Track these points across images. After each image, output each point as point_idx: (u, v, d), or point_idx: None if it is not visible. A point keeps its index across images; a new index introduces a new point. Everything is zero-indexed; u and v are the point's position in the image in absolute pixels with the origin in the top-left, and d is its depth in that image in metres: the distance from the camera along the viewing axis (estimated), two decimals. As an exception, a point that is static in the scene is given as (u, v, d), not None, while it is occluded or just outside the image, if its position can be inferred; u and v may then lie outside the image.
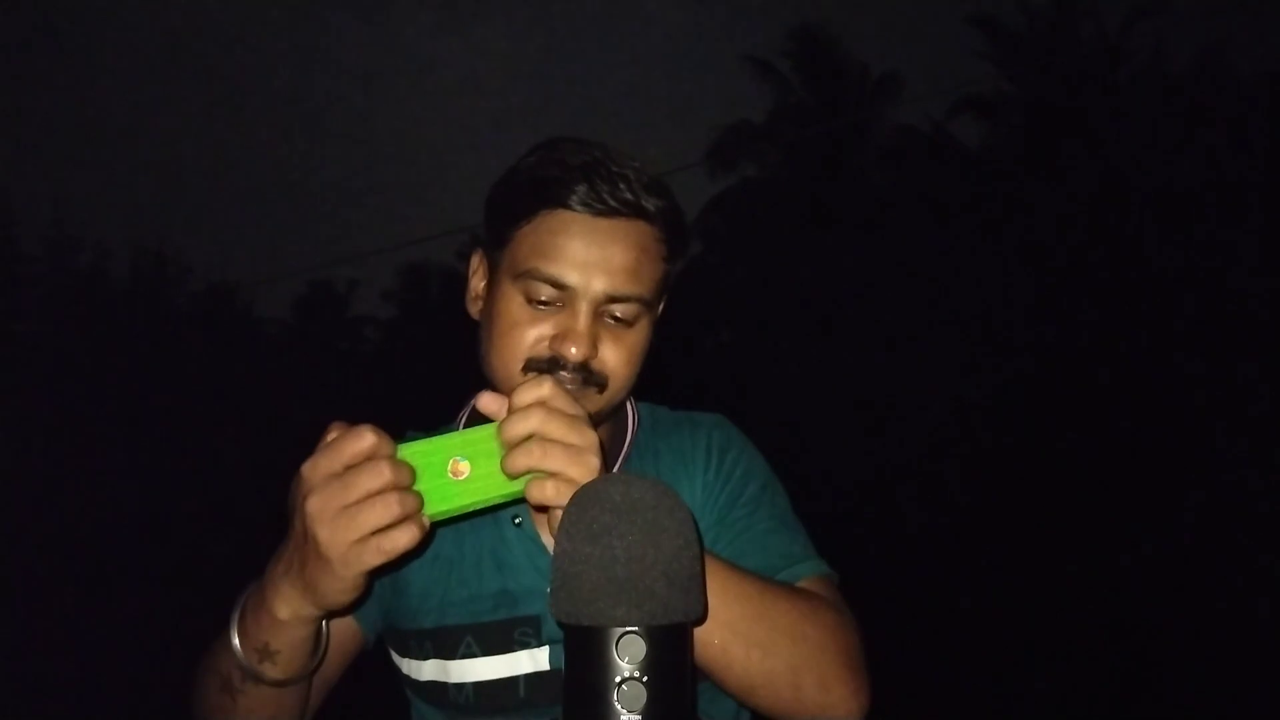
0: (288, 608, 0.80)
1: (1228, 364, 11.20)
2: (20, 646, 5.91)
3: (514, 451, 0.77)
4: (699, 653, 0.87)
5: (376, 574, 0.77)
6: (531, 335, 0.92)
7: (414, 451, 0.78)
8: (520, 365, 0.92)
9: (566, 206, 0.90)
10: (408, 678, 1.05)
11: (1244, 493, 9.68)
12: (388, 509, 0.72)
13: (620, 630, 0.62)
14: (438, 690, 1.01)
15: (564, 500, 0.72)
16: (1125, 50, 14.08)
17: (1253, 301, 11.32)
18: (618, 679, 0.61)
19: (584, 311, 0.90)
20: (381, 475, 0.72)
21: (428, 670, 1.01)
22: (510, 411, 0.79)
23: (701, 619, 0.70)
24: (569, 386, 0.90)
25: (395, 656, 1.06)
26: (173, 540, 11.12)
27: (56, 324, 16.54)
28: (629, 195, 0.90)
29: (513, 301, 0.92)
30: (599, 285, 0.90)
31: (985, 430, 12.65)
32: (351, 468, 0.73)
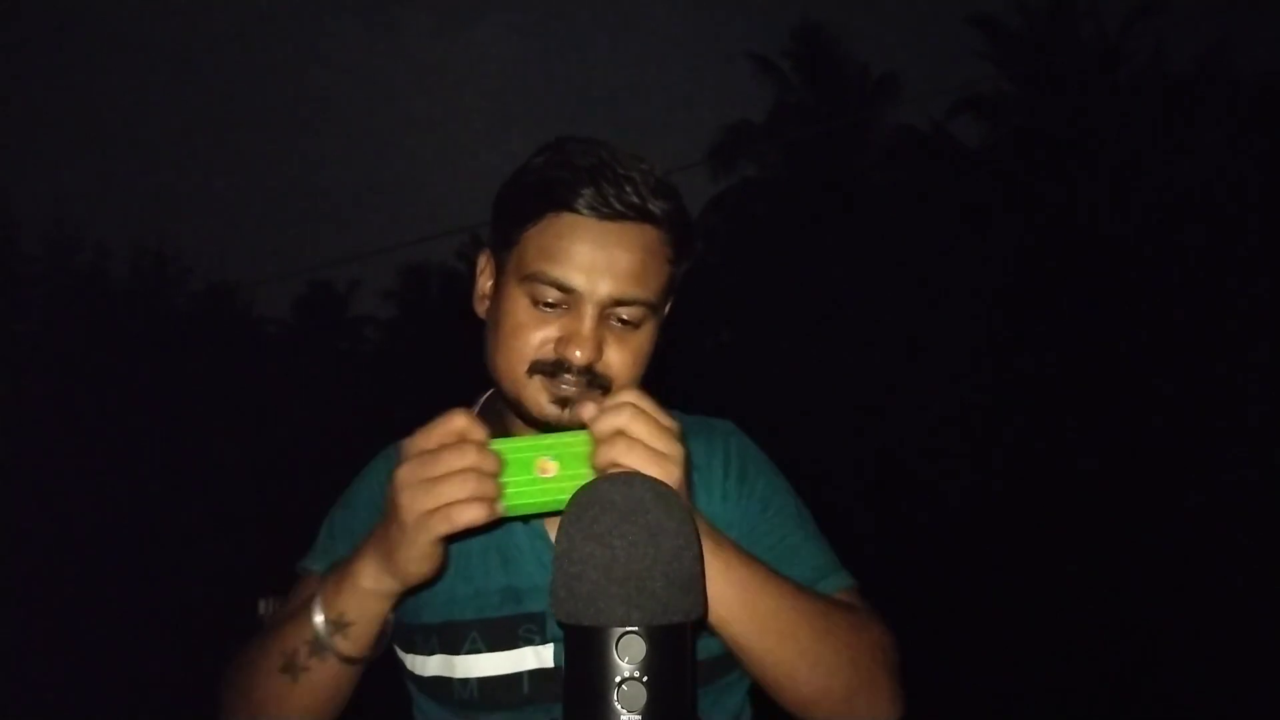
0: (370, 577, 0.86)
1: (1228, 364, 11.20)
2: (19, 646, 5.91)
3: (601, 445, 0.81)
4: (759, 667, 0.90)
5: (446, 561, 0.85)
6: (537, 338, 0.92)
7: (506, 446, 0.84)
8: (525, 367, 0.93)
9: (573, 210, 0.90)
10: (411, 673, 1.05)
11: (1244, 492, 9.68)
12: (463, 486, 0.78)
13: (620, 630, 0.62)
14: (442, 685, 1.01)
15: (680, 484, 0.80)
16: (1125, 50, 14.08)
17: (1252, 301, 11.32)
18: (618, 679, 0.61)
19: (589, 315, 0.91)
20: (465, 457, 0.79)
21: (432, 665, 1.02)
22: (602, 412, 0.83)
23: (702, 619, 0.70)
24: (573, 390, 0.92)
25: (400, 652, 1.07)
26: (172, 539, 11.12)
27: (56, 324, 16.54)
28: (635, 199, 0.90)
29: (518, 303, 0.93)
30: (604, 289, 0.90)
31: (985, 430, 12.65)
32: (444, 446, 0.80)
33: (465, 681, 0.99)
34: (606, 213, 0.90)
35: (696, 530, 0.70)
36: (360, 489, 1.11)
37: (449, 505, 0.78)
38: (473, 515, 0.79)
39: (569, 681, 0.65)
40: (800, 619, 0.90)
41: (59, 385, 14.93)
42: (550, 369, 0.91)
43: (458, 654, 1.00)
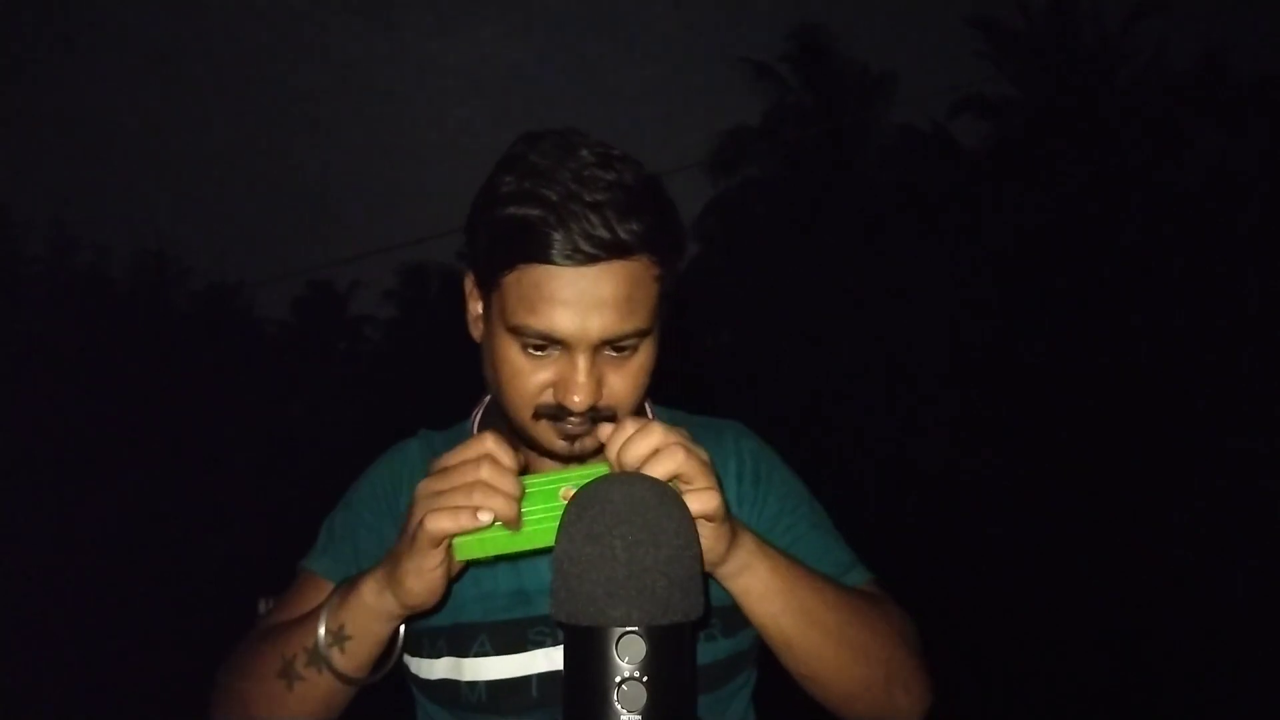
0: (373, 592, 0.86)
1: (1228, 363, 11.20)
2: (19, 645, 5.91)
3: (653, 457, 0.80)
4: (804, 662, 0.91)
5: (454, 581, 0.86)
6: (534, 384, 0.91)
7: (530, 480, 0.85)
8: (530, 413, 0.92)
9: (546, 260, 0.86)
10: (417, 677, 1.04)
11: (1245, 491, 9.68)
12: (468, 496, 0.79)
13: (620, 630, 0.62)
14: (450, 689, 1.00)
15: (719, 512, 0.80)
16: (1126, 50, 14.09)
17: (1253, 301, 11.32)
18: (618, 679, 0.61)
19: (582, 361, 0.89)
20: (480, 470, 0.80)
21: (440, 669, 1.01)
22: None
23: (703, 619, 0.70)
24: (579, 429, 0.92)
25: (406, 656, 1.05)
26: (173, 538, 11.13)
27: (56, 324, 16.55)
28: (606, 235, 0.86)
29: (510, 349, 0.91)
30: (593, 333, 0.88)
31: (986, 429, 12.65)
32: (465, 462, 0.81)
33: (473, 685, 0.99)
34: (580, 258, 0.86)
35: (696, 530, 0.69)
36: (362, 489, 1.10)
37: (449, 510, 0.79)
38: (466, 520, 0.79)
39: (569, 681, 0.65)
40: (843, 613, 0.91)
41: (59, 385, 14.94)
42: (553, 413, 0.91)
43: (466, 657, 0.99)
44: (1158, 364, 11.69)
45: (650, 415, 1.10)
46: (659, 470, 0.79)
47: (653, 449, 0.80)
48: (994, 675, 5.45)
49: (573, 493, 0.80)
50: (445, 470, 0.81)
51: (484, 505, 0.79)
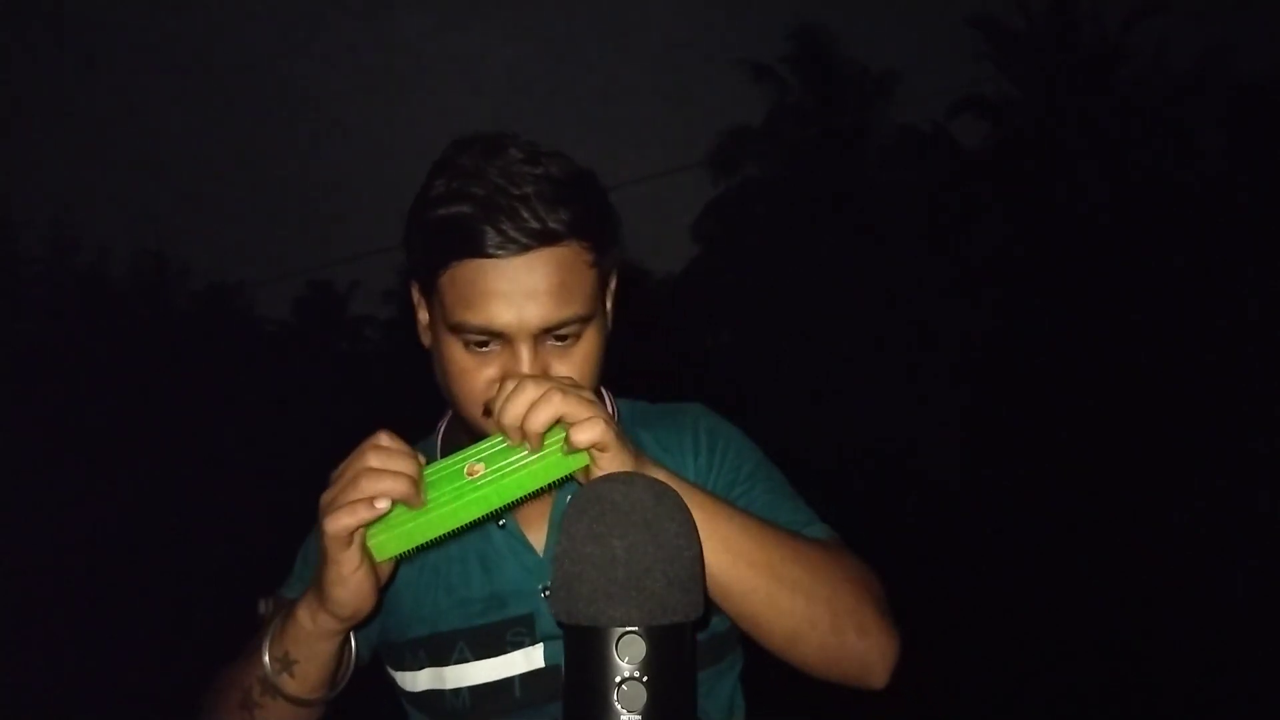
0: (308, 614, 0.85)
1: (1228, 363, 11.20)
2: (19, 645, 5.91)
3: (531, 409, 0.81)
4: (740, 603, 0.89)
5: (382, 590, 0.85)
6: (480, 381, 0.92)
7: (432, 468, 0.85)
8: (480, 410, 0.92)
9: (478, 254, 0.88)
10: (404, 691, 1.05)
11: (1245, 491, 9.68)
12: (356, 485, 0.79)
13: (620, 630, 0.62)
14: (434, 699, 1.01)
15: (608, 437, 0.80)
16: (1126, 50, 14.09)
17: (1254, 301, 11.32)
18: (618, 679, 0.61)
19: (523, 352, 0.90)
20: (364, 460, 0.81)
21: (423, 680, 1.02)
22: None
23: (703, 619, 0.70)
24: None
25: (391, 671, 1.07)
26: (172, 538, 11.12)
27: (56, 324, 16.56)
28: (535, 224, 0.87)
29: (454, 348, 0.92)
30: (531, 322, 0.89)
31: (987, 430, 12.65)
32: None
33: (457, 692, 0.99)
34: (512, 249, 0.87)
35: (697, 529, 0.70)
36: None
37: (344, 507, 0.78)
38: (363, 513, 0.78)
39: (569, 682, 0.65)
40: (776, 549, 0.90)
41: (59, 385, 14.94)
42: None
43: (447, 665, 1.00)
44: (1157, 364, 11.69)
45: (610, 406, 1.11)
46: (542, 417, 0.80)
47: (529, 402, 0.81)
48: (994, 675, 5.45)
49: (480, 469, 0.82)
50: (339, 475, 0.82)
51: (376, 491, 0.79)
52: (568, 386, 0.82)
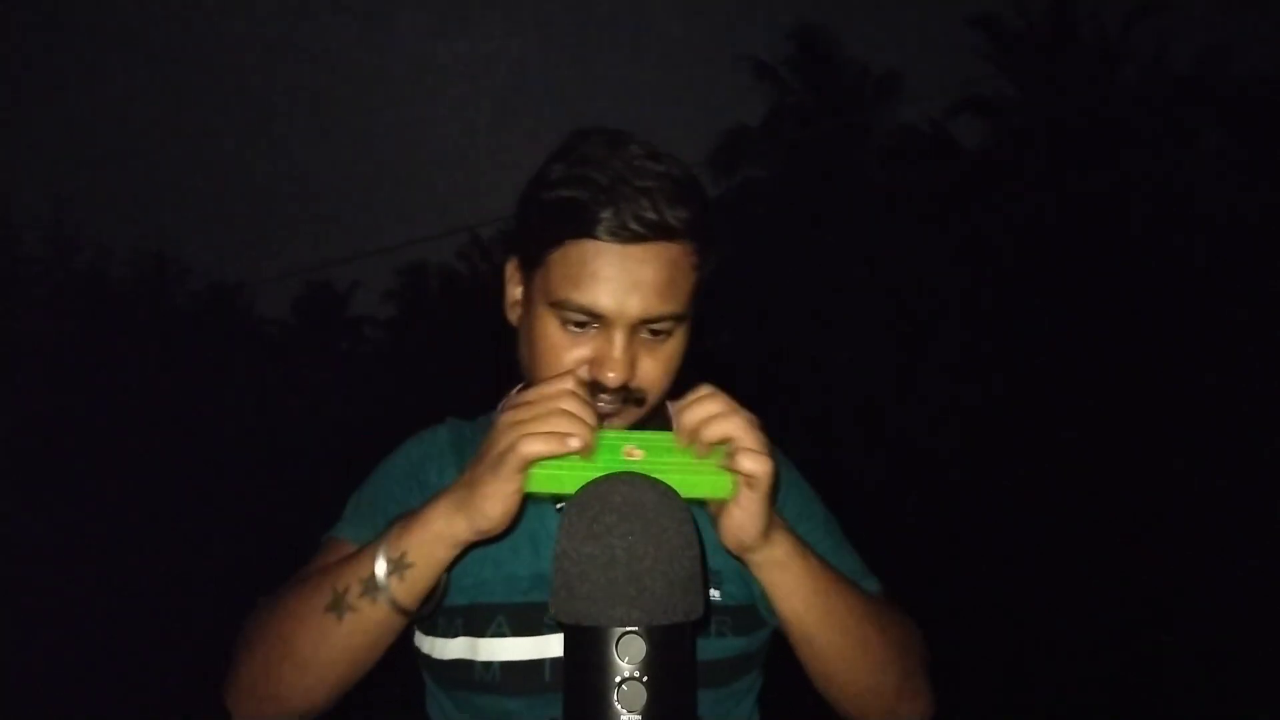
0: (443, 518, 0.86)
1: (1228, 363, 11.21)
2: (19, 644, 5.91)
3: (714, 418, 0.84)
4: (827, 665, 0.93)
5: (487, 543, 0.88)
6: (569, 359, 0.94)
7: (601, 433, 0.86)
8: None
9: (594, 236, 0.91)
10: (430, 658, 1.04)
11: (1245, 491, 9.68)
12: (556, 422, 0.81)
13: (620, 630, 0.62)
14: (463, 669, 1.01)
15: (767, 478, 0.81)
16: (1126, 50, 14.08)
17: (1254, 301, 11.32)
18: (618, 679, 0.61)
19: (619, 337, 0.92)
20: (561, 401, 0.83)
21: (454, 648, 1.01)
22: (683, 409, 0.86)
23: (703, 619, 0.70)
24: (610, 407, 0.94)
25: (420, 635, 1.06)
26: (172, 537, 11.12)
27: (56, 324, 16.55)
28: (654, 216, 0.91)
29: (549, 324, 0.95)
30: (632, 311, 0.91)
31: (988, 430, 12.65)
32: (545, 395, 0.84)
33: (488, 665, 0.99)
34: (627, 236, 0.90)
35: (697, 530, 0.70)
36: (390, 466, 1.11)
37: (541, 434, 0.81)
38: (554, 445, 0.80)
39: (569, 681, 0.65)
40: (863, 617, 0.93)
41: (59, 384, 14.94)
42: (587, 389, 0.93)
43: (482, 637, 1.00)
44: (1158, 364, 11.69)
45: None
46: (718, 430, 0.83)
47: (713, 413, 0.84)
48: (994, 675, 5.45)
49: (639, 454, 0.85)
50: (530, 402, 0.83)
51: (572, 431, 0.81)
52: (746, 412, 0.85)
